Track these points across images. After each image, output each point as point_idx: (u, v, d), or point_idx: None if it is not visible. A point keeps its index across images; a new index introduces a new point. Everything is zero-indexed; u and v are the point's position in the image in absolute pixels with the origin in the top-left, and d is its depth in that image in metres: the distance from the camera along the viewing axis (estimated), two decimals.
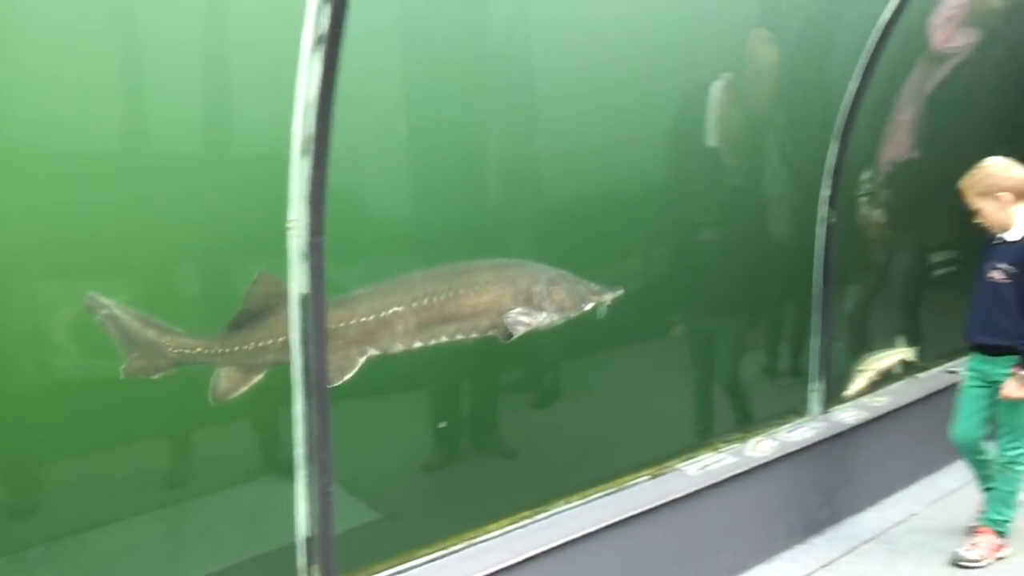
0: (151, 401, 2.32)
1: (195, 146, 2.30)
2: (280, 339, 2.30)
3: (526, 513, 2.94)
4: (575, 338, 3.04)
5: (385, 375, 2.65)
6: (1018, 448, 3.47)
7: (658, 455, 3.39)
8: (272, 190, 2.06)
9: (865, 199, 3.95)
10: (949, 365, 4.50)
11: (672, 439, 3.54)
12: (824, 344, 3.88)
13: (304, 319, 2.09)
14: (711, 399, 3.75)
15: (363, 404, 2.67)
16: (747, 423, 3.74)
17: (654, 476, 3.29)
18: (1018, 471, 3.49)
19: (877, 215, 3.99)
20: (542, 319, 2.74)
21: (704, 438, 3.62)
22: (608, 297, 2.92)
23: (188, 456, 2.44)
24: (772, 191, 3.79)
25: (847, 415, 3.94)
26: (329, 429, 2.16)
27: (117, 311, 2.23)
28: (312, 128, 1.96)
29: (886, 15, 3.51)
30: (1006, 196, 3.28)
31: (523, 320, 2.69)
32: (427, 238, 2.72)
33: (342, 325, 2.46)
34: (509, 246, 2.91)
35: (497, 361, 3.00)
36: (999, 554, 3.54)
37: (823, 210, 3.73)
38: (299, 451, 2.19)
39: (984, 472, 3.58)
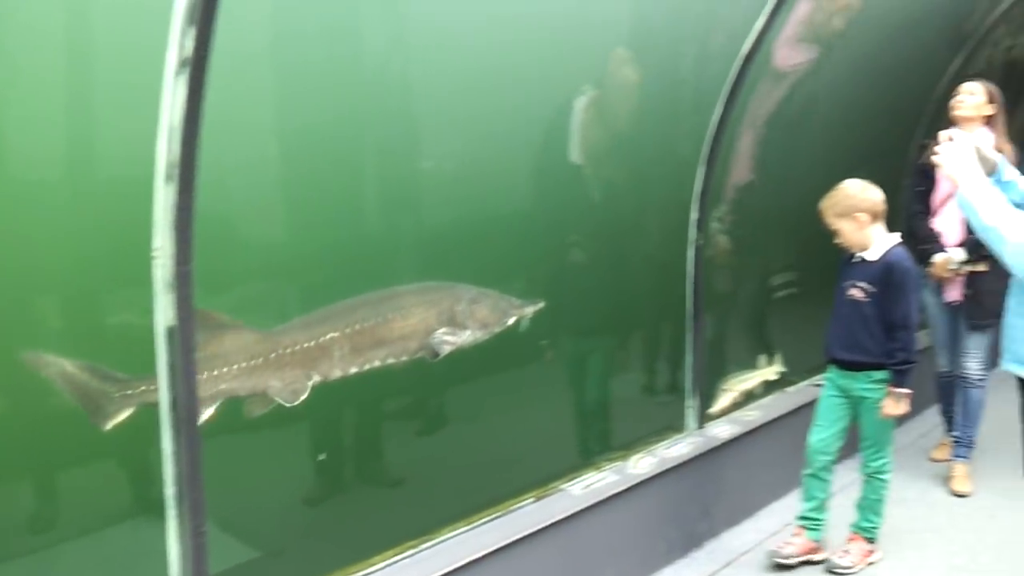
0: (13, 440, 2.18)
1: (56, 170, 2.20)
2: (226, 369, 2.43)
3: (411, 543, 2.90)
4: (457, 364, 3.03)
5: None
6: (882, 458, 3.63)
7: (542, 477, 3.40)
8: (140, 215, 1.98)
9: (717, 222, 4.08)
10: (816, 378, 4.68)
11: (556, 460, 3.56)
12: (697, 361, 3.99)
13: (171, 353, 2.01)
14: (592, 419, 3.80)
15: (241, 438, 2.59)
16: (628, 441, 3.80)
17: (539, 498, 3.30)
18: (883, 480, 3.65)
19: (725, 239, 4.14)
20: (467, 337, 2.88)
21: (587, 457, 3.66)
22: (529, 310, 3.07)
23: (53, 498, 2.30)
24: (645, 213, 3.89)
25: (721, 430, 4.06)
26: (200, 467, 2.09)
27: (67, 366, 2.20)
28: (177, 153, 1.90)
29: (746, 47, 3.68)
30: (863, 217, 3.44)
31: (448, 339, 2.83)
32: (303, 264, 2.66)
33: (289, 351, 2.57)
34: (385, 271, 2.89)
35: (379, 389, 2.97)
36: (870, 559, 3.70)
37: (692, 233, 3.86)
38: (170, 490, 2.10)
39: (814, 488, 3.67)
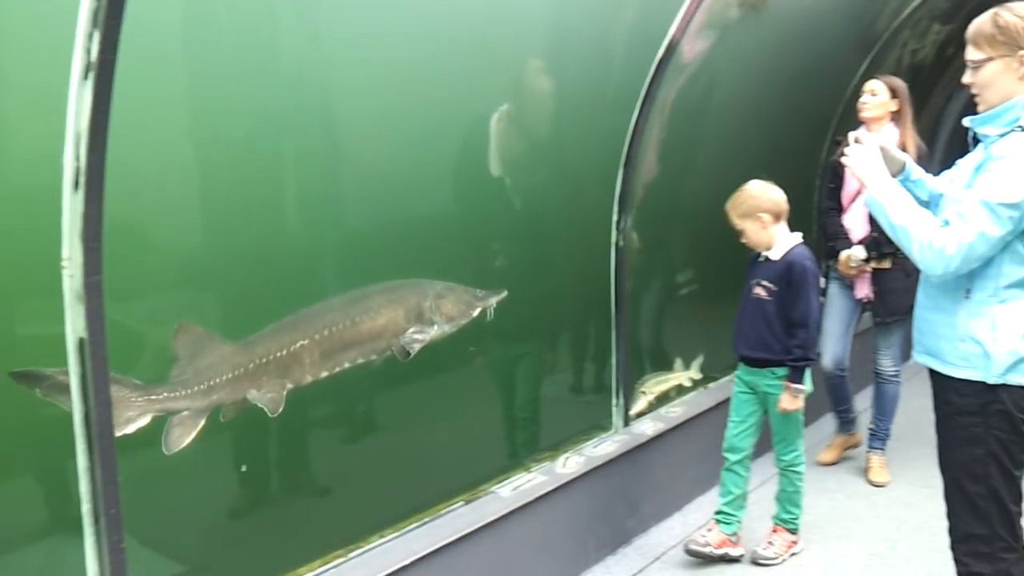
0: None
1: None
2: (223, 377, 2.54)
3: (339, 552, 2.87)
4: (383, 370, 3.01)
5: None
6: (793, 451, 3.72)
7: (472, 480, 3.40)
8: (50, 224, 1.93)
9: (636, 223, 4.13)
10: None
11: (485, 463, 3.57)
12: (622, 360, 4.04)
13: (83, 365, 1.96)
14: (521, 421, 3.81)
15: (163, 451, 2.53)
16: (556, 441, 3.83)
17: (468, 501, 3.30)
18: (797, 472, 3.74)
19: (644, 238, 4.19)
20: (435, 332, 2.94)
21: (516, 459, 3.67)
22: (493, 300, 3.13)
23: None
24: (567, 215, 3.92)
25: (646, 427, 4.12)
26: (116, 482, 2.03)
27: (58, 377, 2.14)
28: (84, 160, 1.85)
29: (660, 52, 3.75)
30: (766, 217, 3.52)
31: (417, 337, 2.90)
32: (218, 269, 2.61)
33: (264, 361, 2.64)
34: (304, 275, 2.86)
35: (305, 398, 2.93)
36: (793, 550, 3.79)
37: (614, 234, 3.91)
38: (85, 507, 2.04)
39: (730, 483, 3.74)
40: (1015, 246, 2.39)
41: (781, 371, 3.58)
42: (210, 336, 2.56)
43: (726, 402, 4.40)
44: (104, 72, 1.82)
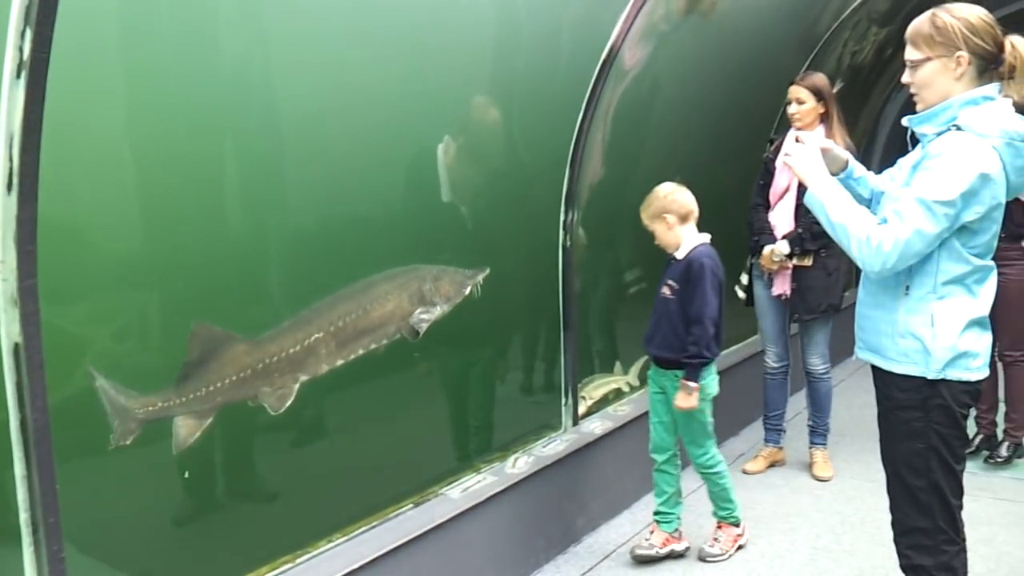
0: None
1: None
2: (227, 380, 2.65)
3: (286, 558, 2.84)
4: (330, 373, 2.99)
5: None
6: (704, 453, 3.70)
7: (421, 482, 3.39)
8: None
9: (582, 223, 4.14)
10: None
11: (434, 465, 3.56)
12: (570, 360, 4.06)
13: (18, 371, 1.91)
14: (470, 422, 3.80)
15: (105, 458, 2.48)
16: (506, 442, 3.83)
17: (417, 503, 3.29)
18: (716, 472, 3.73)
19: (589, 239, 4.21)
20: (437, 312, 3.15)
21: (465, 460, 3.66)
22: (480, 277, 3.32)
23: None
24: (514, 216, 3.92)
25: (595, 426, 4.14)
26: (55, 490, 1.99)
27: (103, 383, 2.39)
28: (17, 161, 1.80)
29: (604, 53, 3.78)
30: (671, 218, 3.56)
31: (424, 317, 3.10)
32: (163, 271, 2.57)
33: (275, 359, 2.76)
34: (247, 279, 2.82)
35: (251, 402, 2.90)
36: (740, 542, 3.83)
37: (561, 234, 3.92)
38: (23, 516, 1.99)
39: (661, 483, 3.77)
40: (952, 243, 2.44)
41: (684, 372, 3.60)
42: (227, 336, 2.68)
43: None
44: (37, 70, 1.78)
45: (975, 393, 2.56)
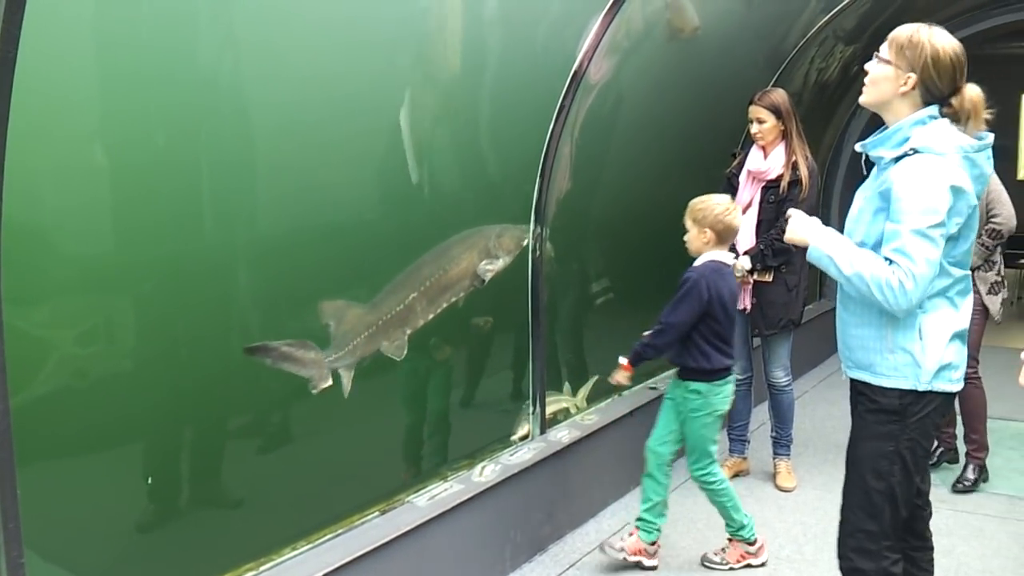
0: None
1: None
2: (361, 337, 3.17)
3: (250, 565, 2.81)
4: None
5: (90, 423, 2.46)
6: (701, 468, 3.70)
7: (388, 490, 3.37)
8: None
9: (552, 234, 4.15)
10: (650, 382, 4.88)
11: (401, 473, 3.55)
12: (538, 369, 4.07)
13: None
14: (437, 430, 3.79)
15: (67, 461, 2.44)
16: (473, 450, 3.82)
17: (384, 512, 3.27)
18: (712, 487, 3.72)
19: (558, 249, 4.23)
20: (500, 264, 3.57)
21: (432, 468, 3.65)
22: (529, 231, 3.85)
23: None
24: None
25: (562, 434, 4.14)
26: (15, 495, 1.96)
27: (283, 347, 2.91)
28: None
29: (574, 66, 3.81)
30: (709, 233, 3.60)
31: (488, 268, 3.52)
32: (131, 275, 2.54)
33: (388, 316, 3.26)
34: (220, 281, 2.80)
35: (216, 407, 2.87)
36: (749, 561, 3.79)
37: (530, 245, 3.93)
38: None
39: (649, 489, 3.76)
40: None
41: (693, 384, 3.64)
42: (347, 304, 3.18)
43: (639, 409, 4.50)
44: (4, 69, 1.76)
45: (948, 406, 2.61)
